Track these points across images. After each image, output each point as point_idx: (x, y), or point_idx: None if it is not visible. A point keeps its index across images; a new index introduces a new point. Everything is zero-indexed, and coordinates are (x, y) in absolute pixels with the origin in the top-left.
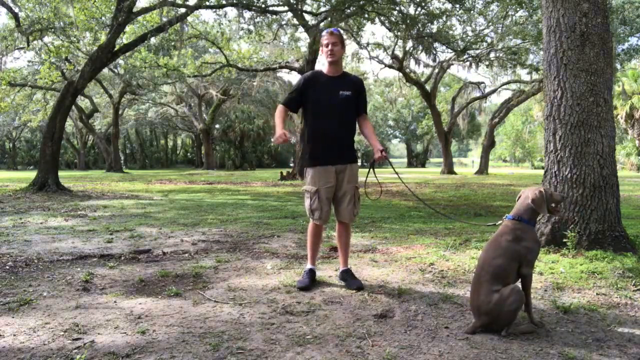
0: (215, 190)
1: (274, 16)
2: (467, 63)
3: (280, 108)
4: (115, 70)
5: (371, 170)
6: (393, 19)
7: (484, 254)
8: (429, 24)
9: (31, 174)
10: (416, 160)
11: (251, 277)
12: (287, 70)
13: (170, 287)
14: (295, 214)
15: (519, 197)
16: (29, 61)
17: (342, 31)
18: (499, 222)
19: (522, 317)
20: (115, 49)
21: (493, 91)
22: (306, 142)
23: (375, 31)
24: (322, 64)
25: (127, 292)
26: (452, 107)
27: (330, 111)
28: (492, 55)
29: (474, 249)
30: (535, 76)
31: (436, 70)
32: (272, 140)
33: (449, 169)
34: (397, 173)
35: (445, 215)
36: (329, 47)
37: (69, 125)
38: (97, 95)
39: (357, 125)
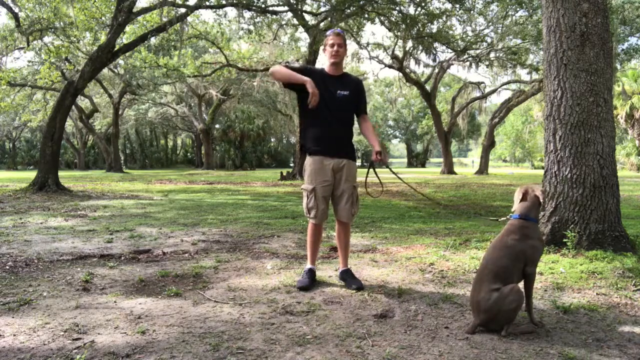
0: (215, 190)
1: (274, 16)
2: (467, 63)
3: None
4: (115, 70)
5: (371, 170)
6: (393, 19)
7: (490, 252)
8: (429, 24)
9: (31, 174)
10: (416, 160)
11: (251, 277)
12: None
13: (170, 287)
14: (295, 214)
15: (522, 195)
16: (29, 61)
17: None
18: (502, 218)
19: (522, 317)
20: (115, 49)
21: (493, 91)
22: (305, 139)
23: (375, 31)
24: (322, 63)
25: (127, 292)
26: (452, 107)
27: (328, 110)
28: (492, 55)
29: (474, 249)
30: (535, 76)
31: (436, 70)
32: (308, 101)
33: (449, 169)
34: (400, 178)
35: (476, 213)
36: (334, 47)
37: (69, 125)
38: (97, 95)
39: (354, 126)
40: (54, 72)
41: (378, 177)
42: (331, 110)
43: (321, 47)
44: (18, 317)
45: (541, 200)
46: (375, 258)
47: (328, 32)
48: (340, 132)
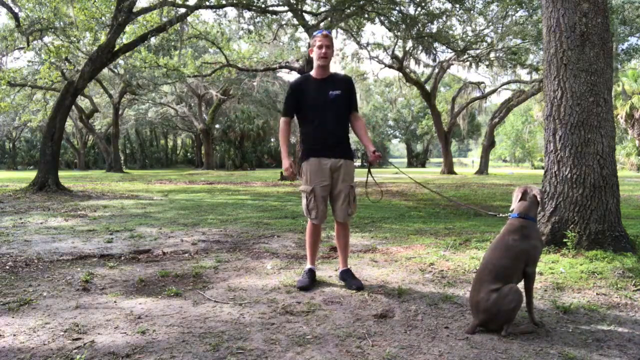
0: (215, 190)
1: (274, 16)
2: (467, 63)
3: (283, 122)
4: (115, 70)
5: (369, 172)
6: (393, 19)
7: (490, 252)
8: (429, 24)
9: (31, 174)
10: (416, 160)
11: (251, 277)
12: (287, 70)
13: (170, 287)
14: (295, 214)
15: (521, 195)
16: (29, 61)
17: (335, 32)
18: (501, 215)
19: (522, 317)
20: (115, 49)
21: (493, 91)
22: (303, 142)
23: (375, 31)
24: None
25: (127, 292)
26: (452, 107)
27: (322, 112)
28: (492, 55)
29: (474, 249)
30: (535, 76)
31: (436, 70)
32: (283, 172)
33: (449, 169)
34: (406, 174)
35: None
36: (323, 49)
37: (69, 125)
38: (97, 95)
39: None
40: (54, 72)
41: (375, 181)
42: (325, 112)
43: (310, 49)
44: (18, 317)
45: (539, 200)
46: (375, 258)
47: (316, 33)
48: (336, 132)
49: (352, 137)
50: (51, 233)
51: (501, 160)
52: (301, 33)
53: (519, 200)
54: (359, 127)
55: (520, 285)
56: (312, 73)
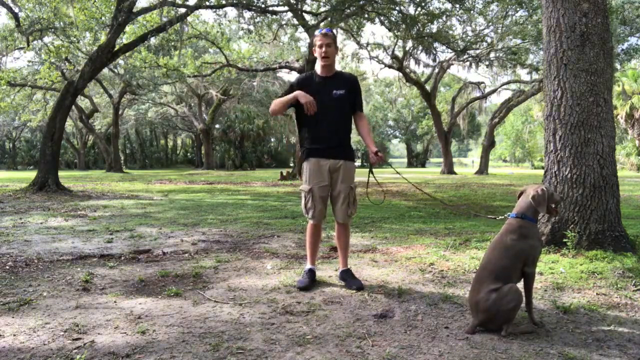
0: (215, 190)
1: (274, 16)
2: (467, 63)
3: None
4: (115, 70)
5: (370, 172)
6: (393, 19)
7: (489, 252)
8: (429, 24)
9: (31, 174)
10: (416, 160)
11: (251, 277)
12: (287, 70)
13: (170, 287)
14: (295, 214)
15: (521, 194)
16: (29, 61)
17: (335, 31)
18: (500, 217)
19: (522, 317)
20: (115, 49)
21: (493, 91)
22: (302, 143)
23: (375, 31)
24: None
25: (127, 292)
26: (452, 107)
27: (325, 111)
28: (492, 55)
29: (474, 249)
30: (535, 76)
31: (436, 70)
32: (306, 110)
33: (449, 169)
34: (400, 174)
35: (469, 212)
36: (323, 48)
37: (69, 125)
38: (97, 95)
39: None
40: (54, 72)
41: (377, 181)
42: (328, 111)
43: (312, 49)
44: (18, 317)
45: (531, 202)
46: (375, 258)
47: (316, 33)
48: (339, 133)
49: (353, 137)
50: (51, 233)
51: (501, 160)
52: (301, 33)
53: (518, 199)
54: (362, 127)
55: (520, 285)
56: (317, 70)
